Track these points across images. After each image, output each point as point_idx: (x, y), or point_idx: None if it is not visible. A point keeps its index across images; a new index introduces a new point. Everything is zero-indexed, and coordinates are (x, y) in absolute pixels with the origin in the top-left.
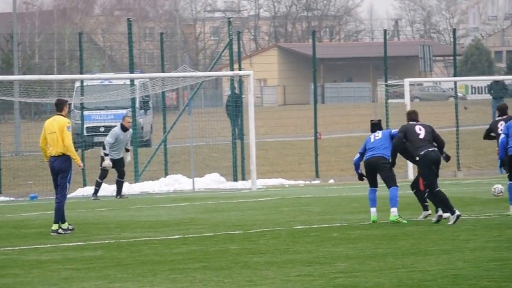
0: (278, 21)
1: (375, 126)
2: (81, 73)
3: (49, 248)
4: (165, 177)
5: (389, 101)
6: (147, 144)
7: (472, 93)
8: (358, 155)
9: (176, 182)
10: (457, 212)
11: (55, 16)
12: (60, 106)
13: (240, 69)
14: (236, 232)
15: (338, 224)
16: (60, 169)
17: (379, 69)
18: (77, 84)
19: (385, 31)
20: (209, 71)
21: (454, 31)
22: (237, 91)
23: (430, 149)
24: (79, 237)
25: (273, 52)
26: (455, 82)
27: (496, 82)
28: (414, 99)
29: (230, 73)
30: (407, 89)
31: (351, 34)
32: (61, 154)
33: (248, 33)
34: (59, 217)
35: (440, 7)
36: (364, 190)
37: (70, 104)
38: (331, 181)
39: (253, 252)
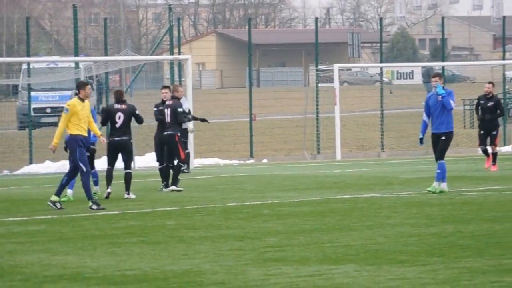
0: (216, 8)
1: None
2: (28, 56)
3: None
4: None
5: (320, 85)
6: None
7: (397, 78)
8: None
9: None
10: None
11: (5, 1)
12: (77, 88)
13: (179, 53)
14: (173, 208)
15: (269, 201)
16: (68, 149)
17: (311, 54)
18: (24, 66)
19: (316, 19)
20: (150, 55)
21: (381, 19)
22: (169, 76)
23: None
24: (24, 212)
25: (212, 37)
26: (381, 68)
27: (429, 68)
28: (343, 83)
29: (170, 57)
30: (336, 74)
31: (285, 21)
32: (68, 134)
33: (188, 19)
34: (89, 194)
35: None
36: (295, 169)
37: (17, 86)
38: (265, 160)
39: (188, 228)
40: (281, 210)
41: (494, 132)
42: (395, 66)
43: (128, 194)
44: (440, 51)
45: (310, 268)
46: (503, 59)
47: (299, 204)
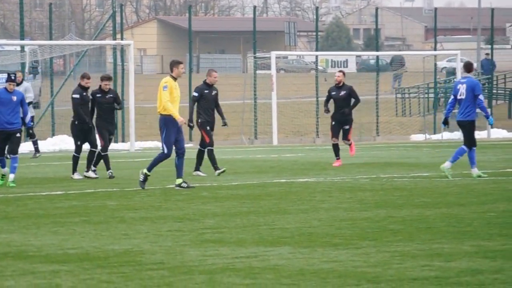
0: None
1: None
2: None
3: None
4: (52, 137)
5: (258, 72)
6: (35, 106)
7: (332, 66)
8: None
9: (62, 142)
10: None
11: None
12: (170, 67)
13: (122, 39)
14: (114, 189)
15: (208, 184)
16: (159, 127)
17: (249, 42)
18: None
19: (254, 7)
20: (94, 40)
21: (316, 9)
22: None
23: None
24: None
25: (153, 24)
26: (317, 56)
27: (396, 56)
28: (280, 70)
29: (112, 42)
30: (273, 61)
31: (224, 9)
32: (159, 113)
33: (130, 6)
34: (178, 173)
35: None
36: (233, 154)
37: None
38: None
39: (129, 208)
40: (219, 193)
41: (347, 127)
42: (329, 54)
43: (86, 172)
44: (373, 41)
45: (246, 249)
46: (435, 49)
47: (236, 187)
